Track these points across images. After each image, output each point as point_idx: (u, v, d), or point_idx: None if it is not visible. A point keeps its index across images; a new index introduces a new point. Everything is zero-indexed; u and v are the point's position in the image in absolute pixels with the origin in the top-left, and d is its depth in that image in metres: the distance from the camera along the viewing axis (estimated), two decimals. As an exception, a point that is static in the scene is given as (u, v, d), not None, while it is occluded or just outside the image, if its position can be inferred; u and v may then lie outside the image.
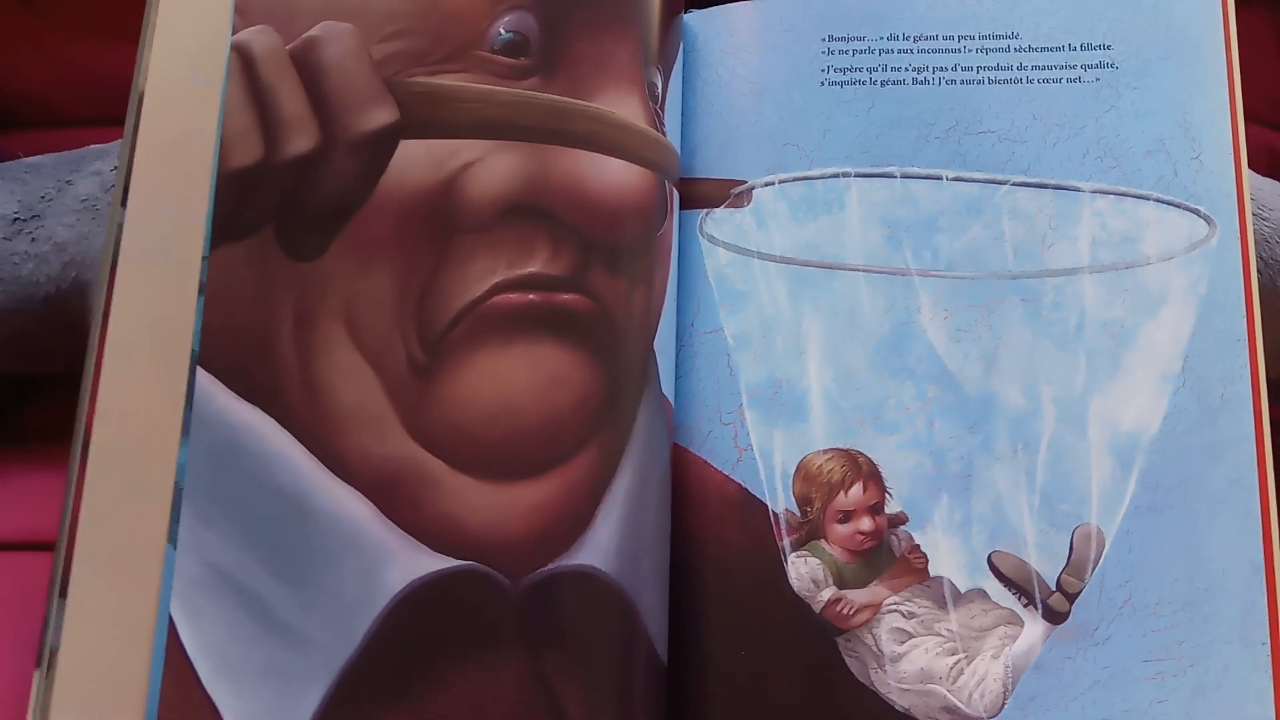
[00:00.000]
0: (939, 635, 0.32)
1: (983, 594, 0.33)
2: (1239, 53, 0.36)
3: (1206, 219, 0.34)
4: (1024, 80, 0.36)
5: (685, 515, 0.33)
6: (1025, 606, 0.33)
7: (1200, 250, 0.34)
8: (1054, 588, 0.33)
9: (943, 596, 0.33)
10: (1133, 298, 0.34)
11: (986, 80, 0.36)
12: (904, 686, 0.32)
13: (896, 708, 0.32)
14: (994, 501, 0.33)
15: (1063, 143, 0.35)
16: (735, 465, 0.34)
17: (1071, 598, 0.32)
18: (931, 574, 0.33)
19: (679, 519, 0.33)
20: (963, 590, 0.33)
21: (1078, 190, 0.35)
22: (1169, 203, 0.34)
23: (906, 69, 0.36)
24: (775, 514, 0.34)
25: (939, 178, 0.35)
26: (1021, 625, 0.32)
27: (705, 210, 0.36)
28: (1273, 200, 0.39)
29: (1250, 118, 0.36)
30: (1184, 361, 0.33)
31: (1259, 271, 0.35)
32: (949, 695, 0.32)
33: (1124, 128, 0.35)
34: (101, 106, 0.47)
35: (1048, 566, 0.33)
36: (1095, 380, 0.33)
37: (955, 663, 0.32)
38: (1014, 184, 0.35)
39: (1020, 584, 0.33)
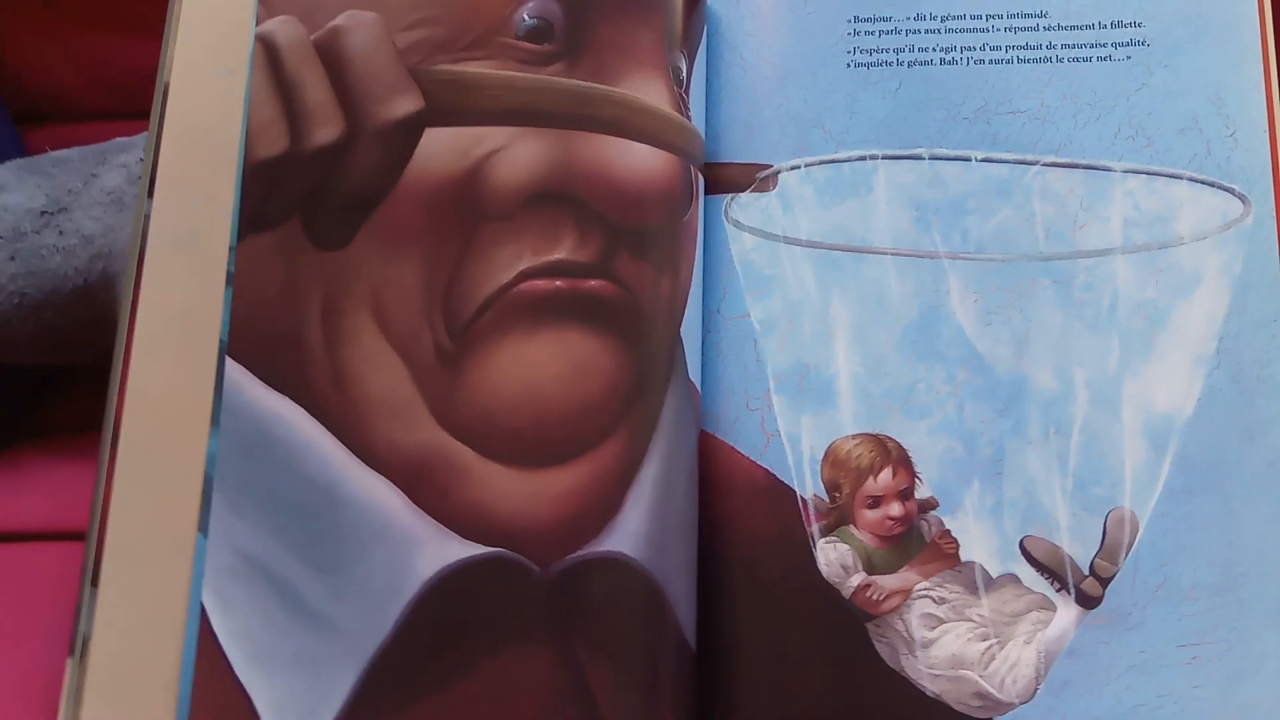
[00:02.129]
0: (970, 621, 0.32)
1: (1015, 579, 0.32)
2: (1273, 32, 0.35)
3: (1241, 197, 0.34)
4: (1053, 59, 0.35)
5: (713, 502, 0.33)
6: (1058, 591, 0.32)
7: (1235, 229, 0.34)
8: (1087, 572, 0.32)
9: (974, 582, 0.32)
10: (1166, 278, 0.33)
11: (1015, 60, 0.35)
12: (935, 672, 0.32)
13: (927, 693, 0.32)
14: (1026, 486, 0.33)
15: (1093, 122, 0.35)
16: (763, 451, 0.34)
17: (1105, 582, 0.32)
18: (962, 559, 0.33)
19: (707, 505, 0.33)
20: (994, 575, 0.32)
21: (1109, 170, 0.34)
22: (1203, 181, 0.34)
23: (934, 49, 0.36)
24: (804, 500, 0.33)
25: (968, 159, 0.35)
26: (1054, 610, 0.32)
27: (730, 195, 0.36)
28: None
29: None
30: (1219, 343, 0.33)
31: (1294, 251, 0.34)
32: (981, 681, 0.32)
33: (1156, 106, 0.35)
34: (125, 100, 0.47)
35: (1081, 551, 0.32)
36: (1128, 362, 0.33)
37: (987, 648, 0.32)
38: (1044, 164, 0.34)
39: (1053, 569, 0.32)
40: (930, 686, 0.32)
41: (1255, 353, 0.33)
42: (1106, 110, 0.35)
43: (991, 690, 0.32)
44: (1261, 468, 0.32)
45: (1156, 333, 0.33)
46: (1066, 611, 0.32)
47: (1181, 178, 0.34)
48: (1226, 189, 0.34)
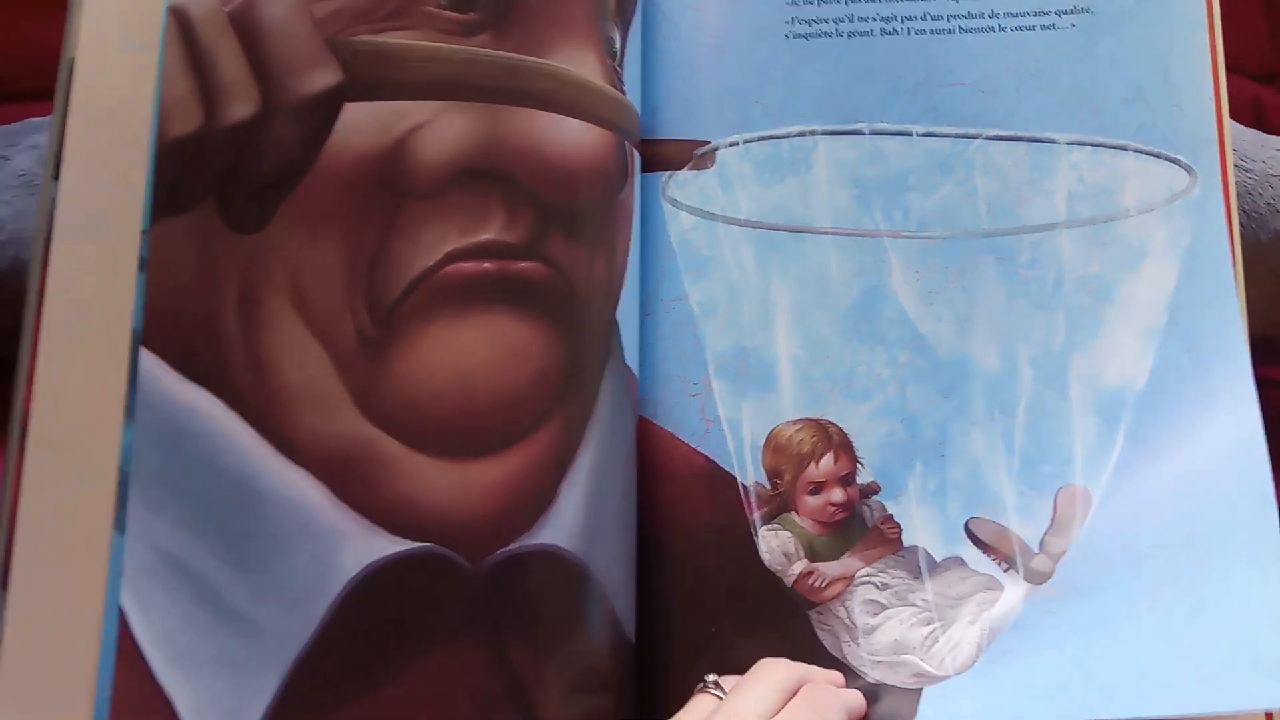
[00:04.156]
0: (914, 606, 0.32)
1: (960, 562, 0.32)
2: (1225, 3, 0.35)
3: (1187, 169, 0.33)
4: (996, 29, 0.34)
5: (652, 490, 0.33)
6: (1005, 571, 0.32)
7: (1182, 201, 0.33)
8: (1038, 550, 0.32)
9: (917, 566, 0.32)
10: (1112, 252, 0.33)
11: (958, 30, 0.34)
12: (876, 659, 0.31)
13: (868, 679, 0.31)
14: (970, 468, 0.32)
15: (1038, 93, 0.34)
16: (703, 437, 0.33)
17: (1056, 558, 0.32)
18: (906, 544, 0.32)
19: (646, 494, 0.32)
20: (939, 559, 0.32)
21: (1054, 142, 0.34)
22: (1149, 153, 0.33)
23: (874, 19, 0.35)
24: (745, 487, 0.33)
25: (909, 134, 0.34)
26: (1001, 589, 0.32)
27: (668, 173, 0.34)
28: (1255, 151, 0.38)
29: (1236, 69, 0.35)
30: (1169, 314, 0.32)
31: (1241, 225, 0.34)
32: (921, 663, 0.31)
33: (1101, 76, 0.34)
34: (39, 78, 0.45)
35: (1029, 529, 0.32)
36: (1075, 338, 0.33)
37: (930, 632, 0.31)
38: (987, 138, 0.34)
39: (1000, 549, 0.32)
40: (871, 673, 0.31)
41: (1210, 322, 0.32)
42: (1051, 81, 0.34)
43: (931, 670, 0.31)
44: (1227, 427, 0.31)
45: (1103, 307, 0.33)
46: (1014, 589, 0.32)
47: (1127, 149, 0.33)
48: (1173, 160, 0.33)
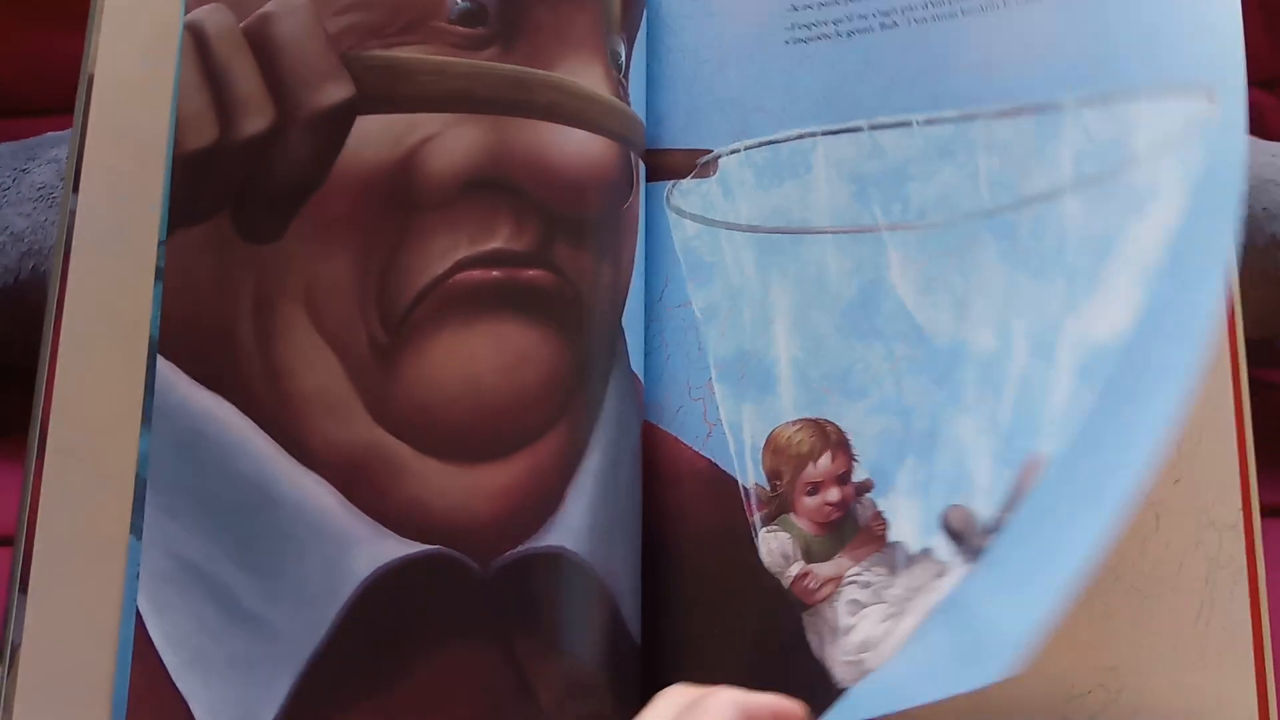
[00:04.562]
0: (884, 603, 0.31)
1: (928, 554, 0.31)
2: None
3: (1207, 90, 0.29)
4: (1000, 5, 0.33)
5: (657, 493, 0.33)
6: (960, 553, 0.31)
7: (1201, 128, 0.29)
8: (993, 526, 0.30)
9: (894, 562, 0.31)
10: (1118, 204, 0.30)
11: (959, 13, 0.33)
12: (846, 659, 0.31)
13: (833, 679, 0.31)
14: (957, 456, 0.31)
15: (1042, 62, 0.32)
16: (705, 440, 0.33)
17: (1000, 529, 0.30)
18: (890, 539, 0.32)
19: (650, 497, 0.33)
20: (915, 551, 0.31)
21: (1060, 108, 0.32)
22: (1162, 87, 0.30)
23: (873, 15, 0.34)
24: (746, 489, 0.33)
25: (909, 123, 0.34)
26: (947, 574, 0.31)
27: (672, 181, 0.35)
28: (1250, 156, 0.38)
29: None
30: (1169, 249, 0.29)
31: (1236, 229, 0.33)
32: (873, 658, 0.31)
33: (1113, 31, 0.31)
34: (60, 94, 0.46)
35: (992, 507, 0.30)
36: (1072, 302, 0.30)
37: (888, 628, 0.31)
38: (990, 116, 0.32)
39: (963, 534, 0.31)
40: (836, 672, 0.31)
41: (1205, 248, 0.27)
42: (1058, 48, 0.32)
43: (873, 664, 0.30)
44: (1186, 349, 0.26)
45: (1103, 262, 0.30)
46: (958, 569, 0.30)
47: (1139, 94, 0.31)
48: (1187, 86, 0.30)
